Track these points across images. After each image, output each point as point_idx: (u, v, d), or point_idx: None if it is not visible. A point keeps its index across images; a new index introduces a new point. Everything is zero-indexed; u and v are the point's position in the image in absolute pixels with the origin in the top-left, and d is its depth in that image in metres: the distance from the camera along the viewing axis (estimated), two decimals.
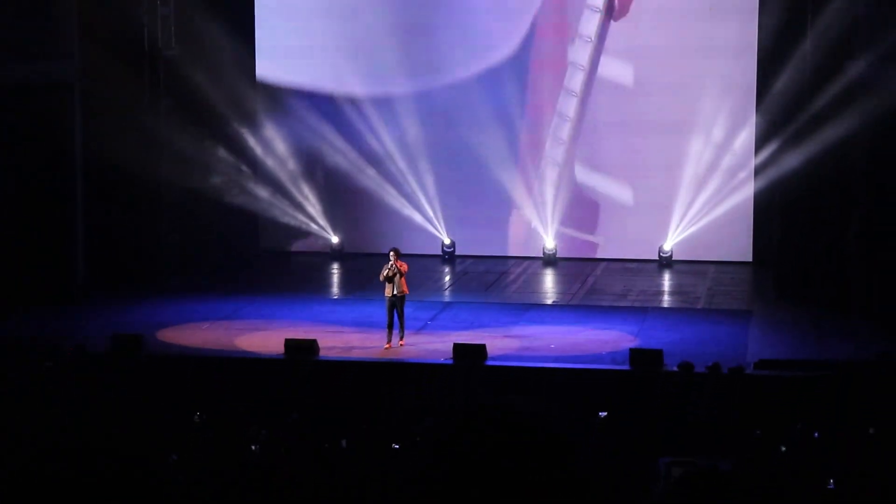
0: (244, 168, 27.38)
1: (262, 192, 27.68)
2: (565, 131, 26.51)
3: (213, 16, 25.99)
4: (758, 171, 25.50)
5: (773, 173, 24.24)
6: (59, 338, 19.74)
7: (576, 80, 26.37)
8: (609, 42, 26.12)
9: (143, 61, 24.83)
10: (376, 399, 17.71)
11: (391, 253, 19.79)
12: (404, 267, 19.67)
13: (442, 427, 3.79)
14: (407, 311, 19.81)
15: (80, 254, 24.69)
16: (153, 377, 18.34)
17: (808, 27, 22.53)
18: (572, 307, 23.15)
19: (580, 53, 26.27)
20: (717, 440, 14.99)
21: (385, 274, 19.58)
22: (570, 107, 26.44)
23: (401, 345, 19.61)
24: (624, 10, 25.99)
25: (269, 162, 27.59)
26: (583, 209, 26.89)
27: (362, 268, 26.59)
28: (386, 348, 19.56)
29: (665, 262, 26.39)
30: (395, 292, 19.52)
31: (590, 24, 26.11)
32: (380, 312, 21.26)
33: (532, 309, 22.81)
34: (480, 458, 3.68)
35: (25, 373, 17.99)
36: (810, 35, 22.53)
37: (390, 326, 19.60)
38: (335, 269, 27.15)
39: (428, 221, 27.30)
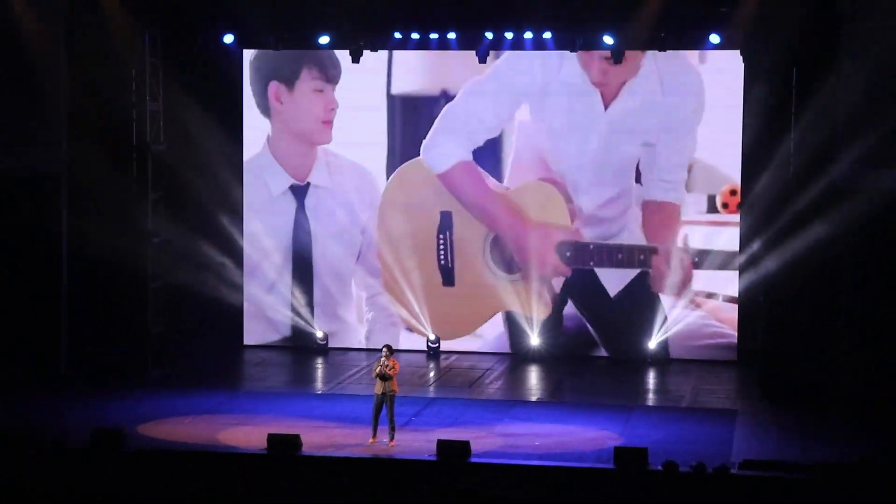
0: (229, 262, 27.51)
1: (248, 286, 27.76)
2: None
3: (202, 111, 26.30)
4: (742, 270, 25.69)
5: (757, 272, 24.43)
6: (38, 430, 19.61)
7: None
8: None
9: (131, 154, 25.08)
10: (360, 495, 17.63)
11: (384, 349, 19.86)
12: (397, 366, 19.74)
13: None
14: None
15: (64, 343, 24.70)
16: (134, 474, 18.21)
17: (792, 128, 22.88)
18: (556, 404, 23.15)
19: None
20: None
21: (378, 371, 19.65)
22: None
23: (391, 445, 19.54)
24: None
25: (255, 256, 27.70)
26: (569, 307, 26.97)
27: (347, 362, 26.62)
28: (371, 443, 19.59)
29: (650, 361, 26.42)
30: (384, 390, 19.59)
31: None
32: (364, 408, 21.25)
33: (517, 406, 22.81)
34: None
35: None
36: (793, 136, 22.87)
37: (375, 422, 19.66)
38: (319, 363, 27.13)
39: (413, 317, 27.37)
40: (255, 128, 27.55)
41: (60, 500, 17.68)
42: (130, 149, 25.10)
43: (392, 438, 19.61)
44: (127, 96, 24.95)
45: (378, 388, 19.62)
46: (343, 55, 26.23)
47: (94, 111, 24.57)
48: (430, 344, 27.38)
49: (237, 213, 27.69)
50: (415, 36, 25.12)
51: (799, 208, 22.69)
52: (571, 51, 25.14)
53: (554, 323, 26.84)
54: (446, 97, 26.79)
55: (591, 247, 26.51)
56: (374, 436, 19.62)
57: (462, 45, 25.22)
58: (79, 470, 18.29)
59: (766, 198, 23.65)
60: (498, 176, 26.74)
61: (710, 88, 25.84)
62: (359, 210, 27.37)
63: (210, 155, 27.00)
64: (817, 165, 22.49)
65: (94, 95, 24.61)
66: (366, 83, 26.90)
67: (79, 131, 24.66)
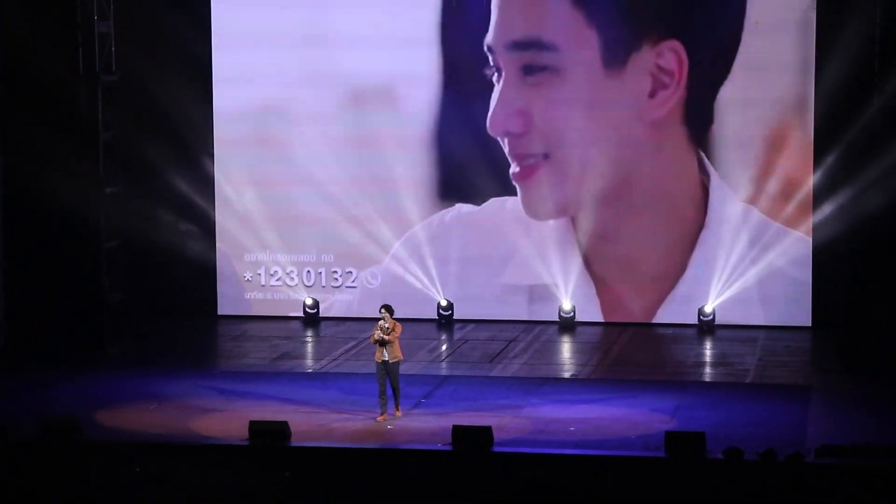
0: (201, 214, 27.56)
1: (223, 245, 27.83)
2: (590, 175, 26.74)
3: (163, 33, 26.28)
4: (819, 217, 25.73)
5: (838, 221, 24.46)
6: None
7: None
8: None
9: (77, 87, 25.03)
10: (360, 493, 17.73)
11: (382, 311, 20.10)
12: (398, 328, 20.04)
13: None
14: None
15: (0, 316, 24.78)
16: (90, 468, 18.33)
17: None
18: (594, 381, 23.24)
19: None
20: None
21: (376, 336, 19.94)
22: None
23: (397, 415, 20.09)
24: None
25: (232, 207, 27.75)
26: (607, 262, 27.04)
27: (341, 334, 26.70)
28: (379, 420, 19.95)
29: (706, 328, 26.49)
30: (386, 357, 19.88)
31: None
32: (362, 388, 21.40)
33: (546, 384, 22.90)
34: None
35: None
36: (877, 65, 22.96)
37: (383, 395, 20.06)
38: (308, 336, 27.22)
39: (419, 280, 27.43)
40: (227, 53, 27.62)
41: (5, 499, 17.82)
42: (76, 79, 25.07)
43: (398, 408, 20.12)
44: (71, 16, 24.91)
45: (378, 355, 20.02)
46: None
47: (30, 34, 24.53)
48: (441, 311, 27.46)
49: (208, 157, 27.70)
50: None
51: (892, 144, 22.77)
52: None
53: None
54: None
55: None
56: (384, 412, 20.06)
57: None
58: (26, 464, 18.39)
59: (850, 132, 23.75)
60: None
61: None
62: None
63: (174, 85, 26.98)
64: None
65: (30, 15, 24.57)
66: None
67: (12, 59, 24.64)
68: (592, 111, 26.45)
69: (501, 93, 26.58)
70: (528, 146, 26.71)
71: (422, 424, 20.03)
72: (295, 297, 27.95)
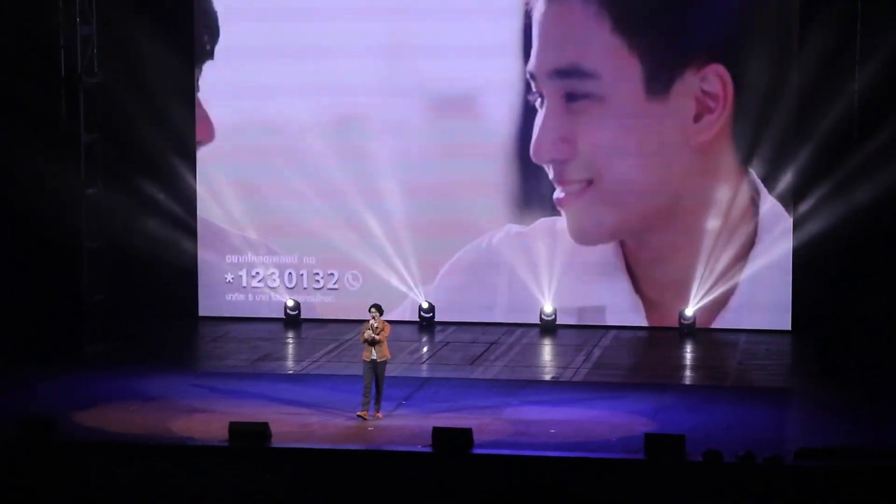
0: (182, 215, 27.53)
1: (204, 247, 27.79)
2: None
3: (147, 34, 26.25)
4: (798, 220, 25.77)
5: (817, 223, 24.50)
6: None
7: None
8: None
9: (59, 89, 24.98)
10: (340, 494, 17.71)
11: (372, 310, 20.28)
12: (387, 329, 20.25)
13: None
14: None
15: None
16: (68, 470, 18.28)
17: (857, 58, 23.01)
18: (575, 384, 23.25)
19: None
20: None
21: (366, 336, 20.17)
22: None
23: (377, 417, 20.21)
24: None
25: (212, 208, 27.74)
26: (587, 265, 27.04)
27: (322, 336, 26.68)
28: (360, 415, 20.13)
29: (687, 331, 26.53)
30: (375, 357, 20.14)
31: None
32: (343, 389, 21.41)
33: (527, 386, 22.90)
34: None
35: None
36: (859, 70, 23.00)
37: (367, 393, 20.19)
38: (290, 337, 27.20)
39: (401, 280, 27.43)
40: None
41: None
42: (58, 82, 25.03)
43: (378, 410, 20.18)
44: (53, 17, 24.86)
45: (367, 354, 20.19)
46: None
47: (11, 35, 24.48)
48: (422, 312, 27.46)
49: (190, 158, 27.68)
50: None
51: (867, 147, 22.80)
52: None
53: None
54: None
55: None
56: (366, 408, 20.17)
57: None
58: (3, 465, 18.34)
59: (826, 134, 23.77)
60: None
61: None
62: None
63: (156, 88, 26.95)
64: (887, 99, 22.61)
65: (11, 17, 24.52)
66: None
67: None
68: (637, 136, 26.35)
69: (545, 120, 26.51)
70: (573, 173, 26.62)
71: (402, 426, 20.03)
72: (276, 299, 27.92)
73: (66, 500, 17.51)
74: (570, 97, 26.50)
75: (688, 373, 24.66)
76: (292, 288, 27.95)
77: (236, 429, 19.04)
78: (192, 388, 22.51)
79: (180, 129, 27.46)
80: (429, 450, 18.61)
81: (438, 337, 26.87)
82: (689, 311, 26.53)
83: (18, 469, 18.32)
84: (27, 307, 24.72)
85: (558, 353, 25.85)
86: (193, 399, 21.75)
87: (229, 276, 28.02)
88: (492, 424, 20.11)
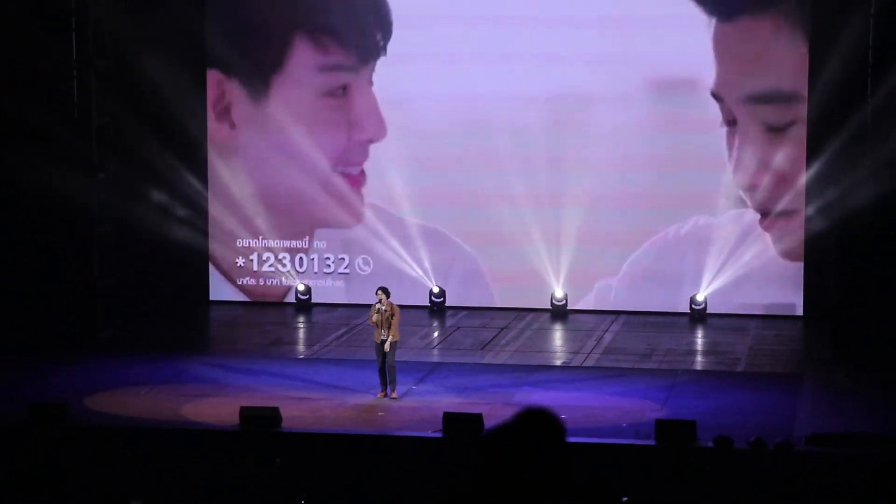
0: (194, 199, 27.53)
1: (216, 230, 27.79)
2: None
3: (157, 20, 26.23)
4: (811, 204, 25.74)
5: (830, 208, 24.45)
6: None
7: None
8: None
9: (70, 71, 24.95)
10: (350, 479, 17.74)
11: (379, 293, 20.53)
12: (396, 312, 20.57)
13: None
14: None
15: None
16: (80, 454, 18.34)
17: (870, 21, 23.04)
18: (586, 369, 23.25)
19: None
20: None
21: (374, 318, 20.44)
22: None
23: (393, 397, 20.54)
24: None
25: (224, 192, 27.72)
26: (599, 250, 27.03)
27: (333, 320, 26.69)
28: (379, 396, 20.56)
29: (698, 316, 26.51)
30: (384, 338, 20.42)
31: None
32: (354, 374, 21.47)
33: (538, 371, 22.91)
34: None
35: None
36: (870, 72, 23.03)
37: (383, 373, 20.57)
38: (301, 322, 27.22)
39: (411, 266, 27.42)
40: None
41: None
42: (69, 64, 25.01)
43: (394, 390, 20.58)
44: (65, 1, 24.85)
45: (377, 335, 20.53)
46: None
47: (23, 19, 24.44)
48: (432, 297, 27.44)
49: (202, 143, 27.64)
50: None
51: (885, 128, 22.82)
52: None
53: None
54: None
55: None
56: (384, 390, 20.57)
57: None
58: (15, 449, 18.40)
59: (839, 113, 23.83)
60: None
61: None
62: None
63: (169, 71, 26.91)
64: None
65: (23, 0, 24.52)
66: None
67: (5, 44, 24.52)
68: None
69: (738, 147, 26.09)
70: (771, 201, 26.21)
71: (413, 411, 20.06)
72: (287, 283, 27.93)
73: (77, 485, 17.56)
74: (768, 126, 25.95)
75: (699, 358, 24.64)
76: (303, 272, 27.90)
77: (247, 413, 19.08)
78: (202, 372, 22.54)
79: (192, 110, 27.37)
80: (439, 435, 18.62)
81: (449, 322, 26.81)
82: (701, 297, 26.51)
83: (31, 453, 18.36)
84: (39, 292, 24.73)
85: (569, 339, 25.84)
86: (204, 383, 21.80)
87: (240, 261, 28.01)
88: (502, 410, 20.13)
